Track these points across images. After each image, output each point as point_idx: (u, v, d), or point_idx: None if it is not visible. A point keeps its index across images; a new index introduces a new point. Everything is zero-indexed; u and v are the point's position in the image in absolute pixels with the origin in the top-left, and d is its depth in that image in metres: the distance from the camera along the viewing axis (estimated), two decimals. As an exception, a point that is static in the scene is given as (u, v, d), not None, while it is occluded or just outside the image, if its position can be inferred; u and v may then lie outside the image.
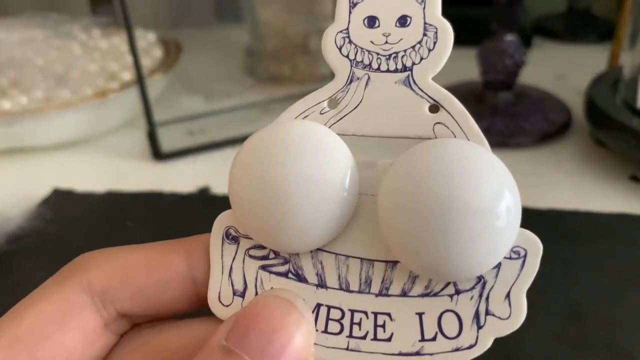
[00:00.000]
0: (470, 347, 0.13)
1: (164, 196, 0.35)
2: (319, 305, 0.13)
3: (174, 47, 0.49)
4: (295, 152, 0.12)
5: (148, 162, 0.40)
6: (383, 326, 0.13)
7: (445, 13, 0.14)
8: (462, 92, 0.45)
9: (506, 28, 0.41)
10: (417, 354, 0.13)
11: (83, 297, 0.13)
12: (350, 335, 0.13)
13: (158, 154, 0.40)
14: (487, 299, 0.13)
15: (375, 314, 0.13)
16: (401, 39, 0.14)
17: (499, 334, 0.13)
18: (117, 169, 0.40)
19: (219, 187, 0.36)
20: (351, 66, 0.14)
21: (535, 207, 0.32)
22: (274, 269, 0.14)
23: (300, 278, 0.13)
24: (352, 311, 0.13)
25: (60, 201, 0.35)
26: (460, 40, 0.62)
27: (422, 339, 0.13)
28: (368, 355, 0.13)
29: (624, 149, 0.35)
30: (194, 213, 0.34)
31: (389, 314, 0.13)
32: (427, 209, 0.11)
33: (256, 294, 0.13)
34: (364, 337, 0.13)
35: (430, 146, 0.12)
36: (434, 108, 0.14)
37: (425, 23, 0.13)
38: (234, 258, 0.14)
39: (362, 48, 0.14)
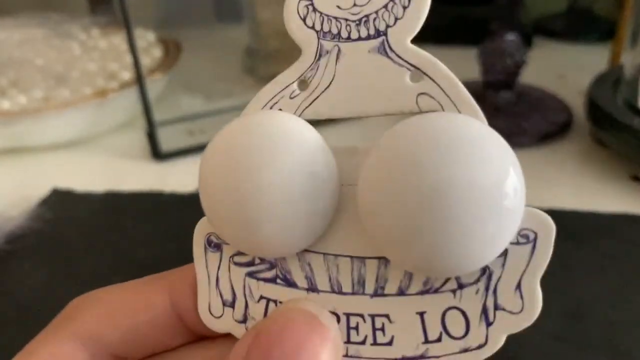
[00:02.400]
0: (480, 346, 0.11)
1: (163, 196, 0.35)
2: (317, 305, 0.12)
3: (174, 46, 0.49)
4: (262, 148, 0.11)
5: (148, 162, 0.40)
6: (382, 329, 0.11)
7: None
8: (463, 91, 0.45)
9: (507, 27, 0.41)
10: (422, 357, 0.11)
11: (73, 347, 0.13)
12: (349, 341, 0.12)
13: (158, 153, 0.40)
14: (494, 291, 0.11)
15: (373, 317, 0.12)
16: None
17: (512, 330, 0.11)
18: (116, 169, 0.40)
19: (218, 187, 0.36)
20: (318, 38, 0.12)
21: (535, 207, 0.32)
22: (261, 275, 0.12)
23: (290, 283, 0.12)
24: (348, 315, 0.12)
25: (60, 201, 0.35)
26: (461, 39, 0.63)
27: (426, 341, 0.11)
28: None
29: (625, 148, 0.35)
30: (194, 213, 0.34)
31: (387, 316, 0.11)
32: (421, 194, 0.09)
33: (246, 303, 0.12)
34: (363, 342, 0.12)
35: (415, 123, 0.10)
36: (416, 76, 0.12)
37: None
38: (218, 267, 0.13)
39: (328, 15, 0.12)
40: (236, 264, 0.12)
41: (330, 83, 0.12)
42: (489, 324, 0.11)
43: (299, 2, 0.12)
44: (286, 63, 0.52)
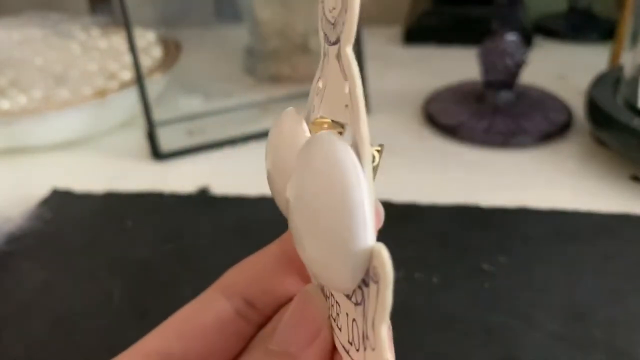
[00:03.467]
0: None
1: (163, 196, 0.35)
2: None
3: (174, 46, 0.49)
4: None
5: (147, 162, 0.40)
6: (339, 315, 0.12)
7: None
8: (463, 91, 0.45)
9: (507, 28, 0.41)
10: (347, 353, 0.12)
11: (213, 293, 0.16)
12: (331, 315, 0.13)
13: (157, 153, 0.40)
14: (366, 320, 0.10)
15: (337, 303, 0.12)
16: (339, 1, 0.11)
17: None
18: (116, 169, 0.40)
19: (218, 187, 0.36)
20: (324, 41, 0.12)
21: (535, 207, 0.32)
22: None
23: None
24: (331, 293, 0.13)
25: (60, 201, 0.35)
26: (461, 39, 0.63)
27: (349, 341, 0.12)
28: (335, 337, 0.13)
29: (625, 148, 0.35)
30: (194, 213, 0.34)
31: (339, 304, 0.12)
32: (299, 218, 0.11)
33: None
34: (334, 320, 0.13)
35: (301, 153, 0.11)
36: (347, 87, 0.11)
37: None
38: None
39: (326, 18, 0.12)
40: None
41: (326, 85, 0.12)
42: (365, 349, 0.11)
43: (320, 4, 0.12)
44: (286, 63, 0.52)
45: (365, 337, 0.11)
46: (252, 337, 0.16)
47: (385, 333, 0.10)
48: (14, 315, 0.27)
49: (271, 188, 0.14)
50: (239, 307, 0.16)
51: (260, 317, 0.16)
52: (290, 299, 0.16)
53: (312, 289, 0.14)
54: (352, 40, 0.11)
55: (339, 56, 0.11)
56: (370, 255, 0.10)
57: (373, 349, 0.10)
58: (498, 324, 0.25)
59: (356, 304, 0.11)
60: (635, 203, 0.33)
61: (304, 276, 0.16)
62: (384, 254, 0.10)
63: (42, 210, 0.34)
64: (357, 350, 0.11)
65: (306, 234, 0.11)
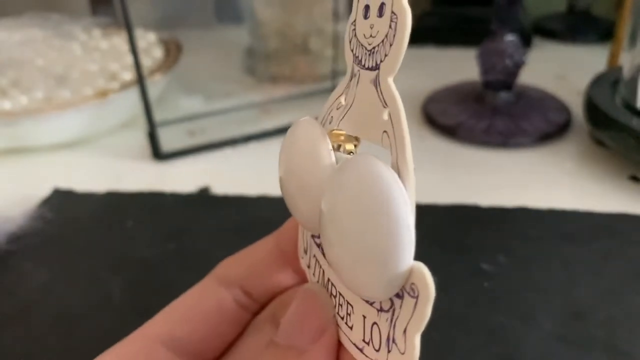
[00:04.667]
0: None
1: (164, 196, 0.35)
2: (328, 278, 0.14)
3: (174, 47, 0.49)
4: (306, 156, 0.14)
5: (148, 162, 0.40)
6: (350, 316, 0.13)
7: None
8: (462, 92, 0.46)
9: (506, 28, 0.41)
10: (362, 352, 0.13)
11: (212, 283, 0.17)
12: (338, 313, 0.14)
13: (158, 154, 0.40)
14: (394, 327, 0.12)
15: (348, 303, 0.13)
16: (378, 31, 0.12)
17: None
18: (117, 169, 0.40)
19: (219, 187, 0.36)
20: (353, 62, 0.13)
21: (535, 207, 0.32)
22: (316, 240, 0.15)
23: (324, 252, 0.14)
24: (340, 294, 0.14)
25: (61, 201, 0.35)
26: (461, 40, 0.63)
27: (364, 340, 0.13)
28: (343, 335, 0.14)
29: (624, 148, 0.35)
30: (194, 213, 0.34)
31: (352, 306, 0.13)
32: (336, 236, 0.12)
33: (309, 254, 0.16)
34: (342, 318, 0.14)
35: (341, 170, 0.12)
36: (387, 114, 0.12)
37: (391, 12, 0.12)
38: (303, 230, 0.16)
39: (359, 42, 0.13)
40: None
41: (352, 103, 0.13)
42: (389, 351, 0.12)
43: (350, 25, 0.13)
44: (286, 63, 0.52)
45: (392, 340, 0.12)
46: (247, 324, 0.17)
47: (418, 342, 0.11)
48: (15, 315, 0.27)
49: (283, 193, 0.15)
50: (237, 296, 0.17)
51: (255, 306, 0.17)
52: (283, 290, 0.17)
53: (316, 287, 0.15)
54: (395, 72, 0.12)
55: (377, 83, 0.12)
56: (410, 273, 0.11)
57: (402, 353, 0.11)
58: (497, 324, 0.25)
59: (380, 310, 0.12)
60: (634, 203, 0.33)
61: (297, 270, 0.17)
62: (426, 273, 0.11)
63: (43, 210, 0.34)
64: (377, 350, 0.12)
65: (341, 246, 0.12)
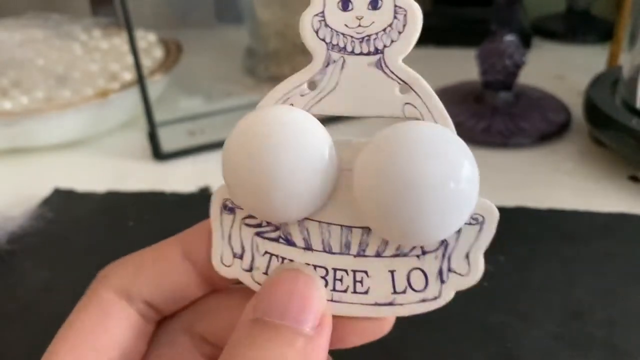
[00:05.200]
0: (435, 298, 0.14)
1: (164, 196, 0.36)
2: (306, 265, 0.15)
3: (175, 47, 0.49)
4: (278, 133, 0.13)
5: (148, 162, 0.40)
6: (361, 282, 0.15)
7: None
8: (462, 92, 0.46)
9: (506, 28, 0.41)
10: (390, 304, 0.15)
11: (112, 297, 0.16)
12: (334, 289, 0.15)
13: (158, 154, 0.40)
14: (449, 258, 0.14)
15: (354, 272, 0.15)
16: (373, 22, 0.14)
17: (459, 288, 0.14)
18: (117, 169, 0.40)
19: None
20: (327, 49, 0.15)
21: (535, 207, 0.32)
22: (267, 235, 0.15)
23: (290, 242, 0.15)
24: (335, 269, 0.15)
25: (61, 201, 0.35)
26: (460, 40, 0.63)
27: (394, 292, 0.15)
28: (349, 306, 0.15)
29: (623, 149, 0.35)
30: (194, 213, 0.34)
31: (365, 272, 0.15)
32: (397, 184, 0.13)
33: (252, 256, 0.15)
34: (344, 291, 0.15)
35: (397, 129, 0.13)
36: (404, 89, 0.14)
37: (395, 6, 0.14)
38: (231, 226, 0.16)
39: (337, 31, 0.14)
40: (247, 225, 0.15)
41: (335, 87, 0.15)
42: (442, 282, 0.14)
43: (313, 17, 0.15)
44: (286, 63, 0.52)
45: (446, 271, 0.14)
46: (151, 334, 0.16)
47: (482, 259, 0.14)
48: (16, 315, 0.27)
49: (241, 188, 0.14)
50: (141, 310, 0.16)
51: (160, 316, 0.16)
52: (193, 301, 0.16)
53: (302, 267, 0.15)
54: (406, 53, 0.14)
55: (381, 65, 0.14)
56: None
57: (465, 274, 0.14)
58: (497, 323, 0.25)
59: (423, 254, 0.14)
60: (634, 203, 0.33)
61: (207, 279, 0.16)
62: (489, 202, 0.14)
63: (43, 210, 0.34)
64: (421, 290, 0.14)
65: (404, 201, 0.13)
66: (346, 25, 0.14)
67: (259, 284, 0.15)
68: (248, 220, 0.15)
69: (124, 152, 0.42)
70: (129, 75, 0.44)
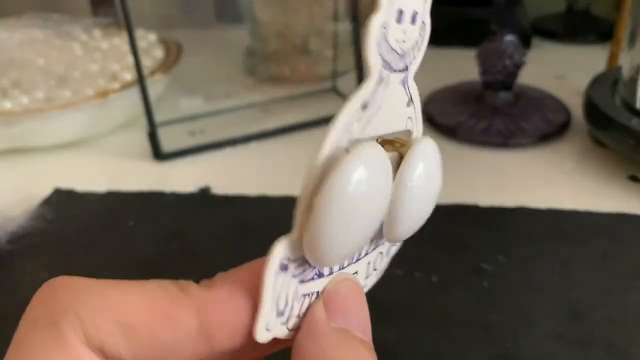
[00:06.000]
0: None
1: (164, 196, 0.36)
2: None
3: (175, 47, 0.49)
4: (380, 177, 0.13)
5: (148, 162, 0.40)
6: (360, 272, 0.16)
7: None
8: (462, 92, 0.46)
9: (506, 28, 0.41)
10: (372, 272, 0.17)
11: (83, 351, 0.12)
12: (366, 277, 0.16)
13: (158, 154, 0.40)
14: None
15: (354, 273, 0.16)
16: (410, 37, 0.14)
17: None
18: (117, 169, 0.40)
19: (219, 187, 0.36)
20: (382, 67, 0.13)
21: (535, 207, 0.32)
22: (307, 278, 0.14)
23: (320, 275, 0.14)
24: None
25: (61, 201, 0.35)
26: (460, 40, 0.63)
27: (366, 278, 0.16)
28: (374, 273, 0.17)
29: (623, 148, 0.35)
30: (194, 213, 0.34)
31: (357, 272, 0.16)
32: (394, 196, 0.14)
33: (292, 305, 0.13)
34: (369, 274, 0.16)
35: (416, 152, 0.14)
36: (409, 103, 0.15)
37: (422, 21, 0.14)
38: (282, 284, 0.13)
39: (391, 46, 0.13)
40: (294, 276, 0.13)
41: (380, 107, 0.13)
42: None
43: (378, 27, 0.12)
44: (286, 63, 0.52)
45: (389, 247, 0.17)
46: None
47: None
48: (16, 314, 0.27)
49: (330, 231, 0.13)
50: None
51: None
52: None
53: (352, 278, 0.15)
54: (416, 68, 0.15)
55: (405, 82, 0.14)
56: None
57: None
58: (497, 323, 0.25)
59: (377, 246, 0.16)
60: (633, 203, 0.33)
61: (218, 353, 0.13)
62: None
63: (44, 210, 0.34)
64: (376, 269, 0.17)
65: (413, 211, 0.15)
66: (396, 40, 0.13)
67: (290, 330, 0.14)
68: (295, 272, 0.13)
69: (124, 152, 0.42)
70: (129, 75, 0.44)
